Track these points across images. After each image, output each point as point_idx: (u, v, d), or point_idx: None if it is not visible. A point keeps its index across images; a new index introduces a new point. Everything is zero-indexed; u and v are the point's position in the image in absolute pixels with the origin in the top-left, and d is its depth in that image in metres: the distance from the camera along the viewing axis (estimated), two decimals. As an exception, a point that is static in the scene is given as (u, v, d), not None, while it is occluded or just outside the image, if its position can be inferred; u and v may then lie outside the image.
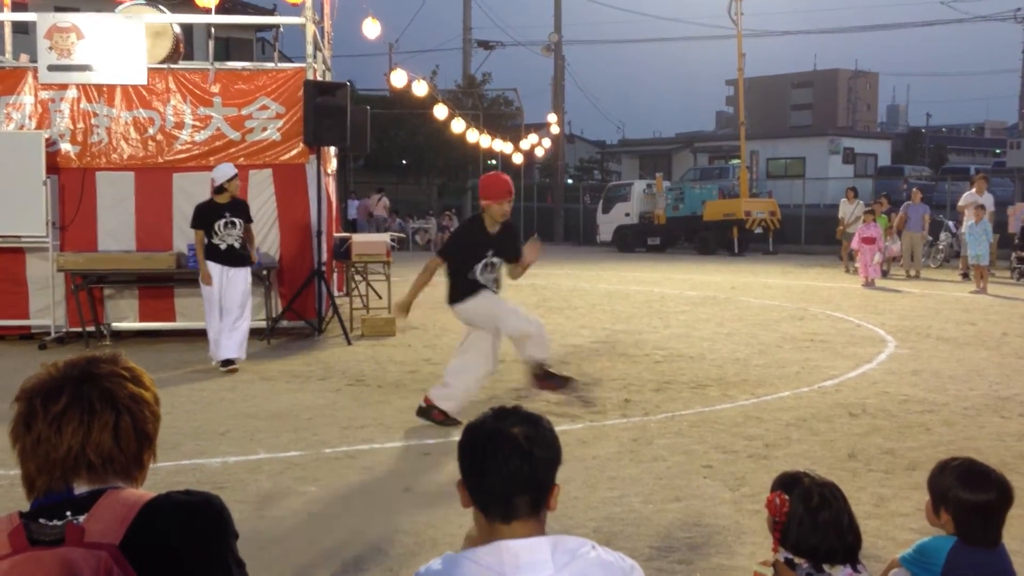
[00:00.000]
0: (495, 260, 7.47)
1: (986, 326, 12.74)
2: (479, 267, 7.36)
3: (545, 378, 7.79)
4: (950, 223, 24.18)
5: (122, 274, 11.61)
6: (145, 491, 1.95)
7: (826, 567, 2.82)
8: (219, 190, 9.71)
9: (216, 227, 9.66)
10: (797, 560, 2.84)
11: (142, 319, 11.91)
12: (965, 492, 3.00)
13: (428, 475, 6.02)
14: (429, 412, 7.42)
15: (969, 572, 2.98)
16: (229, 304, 9.77)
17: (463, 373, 7.50)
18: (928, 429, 7.26)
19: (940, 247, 23.56)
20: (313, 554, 4.81)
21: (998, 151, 58.65)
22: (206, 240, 9.66)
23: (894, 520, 5.23)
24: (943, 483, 3.07)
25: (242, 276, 9.87)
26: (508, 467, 2.09)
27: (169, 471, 6.13)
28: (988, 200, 19.18)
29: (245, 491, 5.82)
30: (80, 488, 1.91)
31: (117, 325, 11.85)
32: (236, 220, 9.75)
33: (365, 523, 5.24)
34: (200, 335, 11.71)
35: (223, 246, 9.71)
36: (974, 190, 19.62)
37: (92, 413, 1.91)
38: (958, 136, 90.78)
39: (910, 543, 3.18)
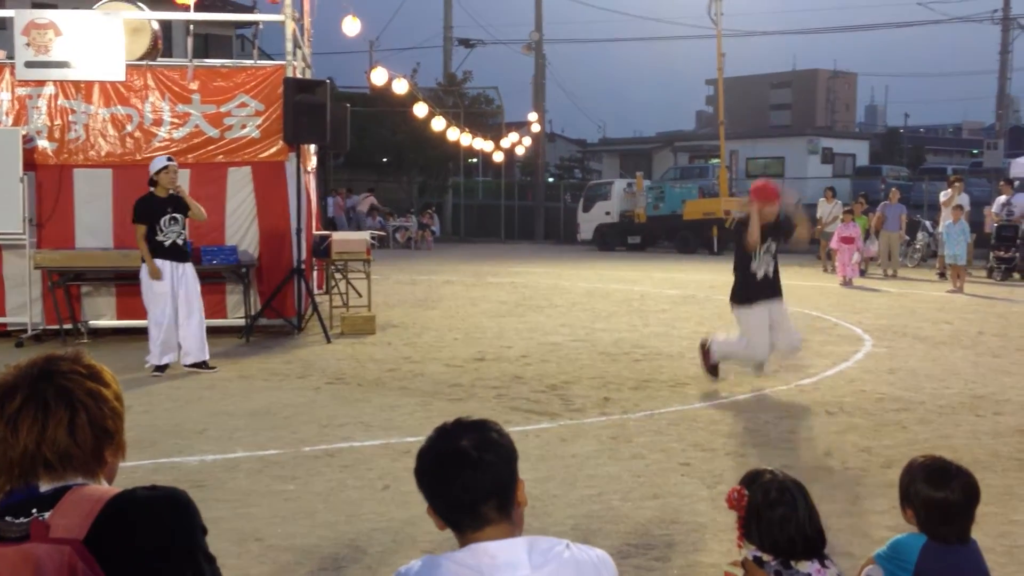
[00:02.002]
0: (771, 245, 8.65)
1: (962, 325, 12.85)
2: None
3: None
4: (927, 223, 24.36)
5: (99, 271, 11.54)
6: (110, 487, 1.96)
7: (793, 564, 2.85)
8: (153, 183, 9.47)
9: (161, 223, 9.42)
10: (765, 557, 2.87)
11: (120, 317, 11.84)
12: (926, 489, 3.04)
13: (407, 473, 5.98)
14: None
15: (941, 569, 3.01)
16: (187, 301, 9.56)
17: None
18: (904, 427, 7.33)
19: (917, 247, 23.72)
20: (292, 552, 4.80)
21: (975, 151, 59.06)
22: (148, 237, 9.40)
23: (869, 518, 5.27)
24: (907, 480, 3.11)
25: (192, 271, 9.69)
26: (463, 480, 2.12)
27: (147, 470, 6.12)
28: (964, 200, 19.31)
29: (223, 489, 5.81)
30: (44, 486, 1.92)
31: (94, 323, 11.79)
32: (178, 215, 9.52)
33: (344, 521, 5.25)
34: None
35: (168, 242, 9.45)
36: (950, 191, 19.75)
37: (46, 410, 1.92)
38: (936, 136, 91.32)
39: (885, 541, 3.21)
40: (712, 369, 8.95)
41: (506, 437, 2.22)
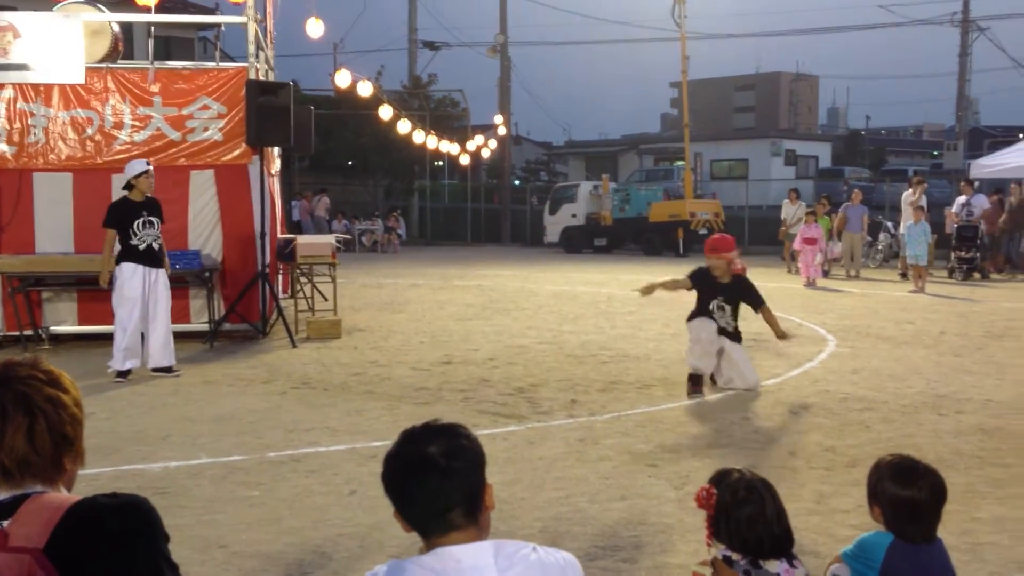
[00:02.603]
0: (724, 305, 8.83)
1: (924, 325, 12.98)
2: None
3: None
4: (889, 224, 24.61)
5: (60, 277, 11.40)
6: (70, 495, 1.93)
7: (762, 563, 2.86)
8: (129, 186, 9.37)
9: (135, 226, 9.27)
10: (734, 556, 2.88)
11: (81, 322, 11.70)
12: (894, 487, 3.06)
13: (374, 478, 5.96)
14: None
15: (907, 568, 3.03)
16: (156, 307, 9.44)
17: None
18: (867, 426, 7.39)
19: (879, 247, 23.96)
20: (258, 559, 4.76)
21: (935, 153, 59.80)
22: (122, 241, 9.31)
23: (834, 516, 5.31)
24: (875, 478, 3.13)
25: (164, 277, 9.58)
26: (430, 487, 2.11)
27: (109, 477, 6.04)
28: (923, 201, 19.54)
29: (187, 496, 5.75)
30: (1, 494, 1.89)
31: (56, 329, 11.64)
32: (153, 219, 9.40)
33: (310, 527, 5.20)
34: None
35: (142, 246, 9.32)
36: (912, 192, 19.96)
37: (4, 417, 1.89)
38: (897, 138, 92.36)
39: (850, 539, 3.23)
40: (695, 382, 8.72)
41: (475, 442, 2.21)
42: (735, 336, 8.86)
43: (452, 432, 2.19)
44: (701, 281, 8.94)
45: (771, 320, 8.97)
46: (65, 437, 1.96)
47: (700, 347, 8.71)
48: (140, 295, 9.34)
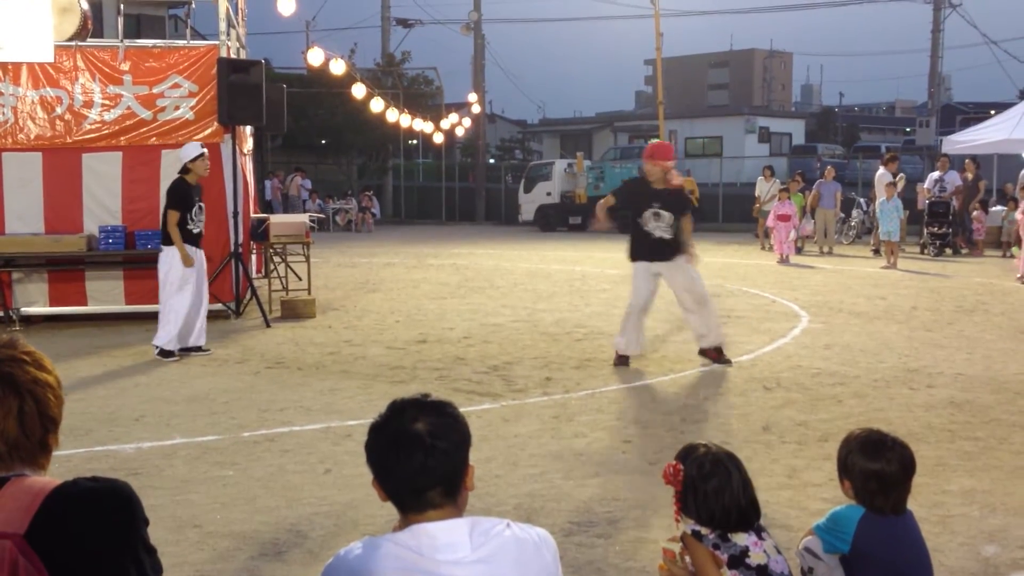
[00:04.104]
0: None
1: (896, 300, 13.09)
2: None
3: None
4: (862, 200, 24.74)
5: (31, 257, 11.28)
6: (51, 478, 1.91)
7: (731, 536, 2.88)
8: (185, 170, 9.38)
9: (192, 210, 9.37)
10: (703, 531, 2.90)
11: (52, 303, 11.61)
12: (862, 460, 3.09)
13: (349, 457, 5.99)
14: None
15: (878, 539, 3.06)
16: (202, 289, 9.61)
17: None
18: (840, 401, 7.45)
19: (852, 224, 24.09)
20: (232, 538, 4.75)
21: (908, 129, 60.12)
22: (181, 224, 9.32)
23: (806, 490, 5.36)
24: (845, 452, 3.16)
25: (204, 258, 9.74)
26: (413, 465, 2.10)
27: (82, 458, 6.01)
28: (891, 177, 19.64)
29: (160, 476, 5.73)
30: None
31: (26, 310, 11.53)
32: (202, 204, 9.60)
33: (284, 506, 5.20)
34: (113, 319, 11.51)
35: (196, 230, 9.44)
36: (884, 169, 20.06)
37: None
38: (870, 115, 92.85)
39: (822, 513, 3.26)
40: (620, 360, 8.90)
41: (462, 422, 2.19)
42: (675, 247, 8.70)
43: (440, 410, 2.18)
44: (631, 192, 8.98)
45: (687, 231, 8.89)
46: (52, 419, 1.95)
47: (634, 318, 8.77)
48: (195, 278, 9.44)
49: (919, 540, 3.16)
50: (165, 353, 9.31)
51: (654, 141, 9.36)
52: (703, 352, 8.88)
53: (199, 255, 9.56)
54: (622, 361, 8.85)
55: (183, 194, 9.35)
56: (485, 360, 9.21)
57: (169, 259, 9.36)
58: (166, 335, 9.36)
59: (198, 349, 9.63)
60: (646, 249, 8.73)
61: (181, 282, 9.37)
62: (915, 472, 3.13)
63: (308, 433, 6.71)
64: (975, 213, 20.89)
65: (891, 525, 3.09)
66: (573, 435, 6.56)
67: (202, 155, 9.42)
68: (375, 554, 2.06)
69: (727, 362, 8.78)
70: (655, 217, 8.65)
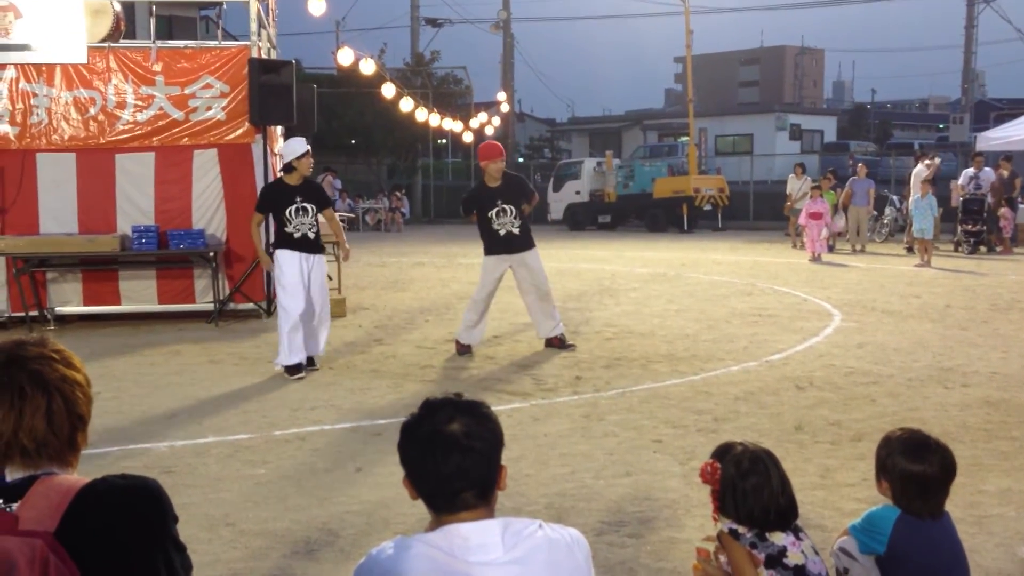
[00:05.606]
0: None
1: (930, 299, 12.95)
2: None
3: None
4: (895, 197, 24.51)
5: (65, 257, 11.41)
6: (80, 476, 1.92)
7: (768, 535, 2.86)
8: (288, 168, 8.63)
9: (288, 213, 8.44)
10: (741, 529, 2.88)
11: (86, 303, 11.72)
12: (903, 461, 3.05)
13: (380, 455, 6.00)
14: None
15: (915, 542, 3.03)
16: (316, 296, 8.65)
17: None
18: (873, 400, 7.38)
19: (885, 221, 23.87)
20: (264, 537, 4.77)
21: (941, 126, 59.52)
22: (277, 227, 8.54)
23: (840, 491, 5.31)
24: (884, 452, 3.12)
25: (321, 265, 8.74)
26: (448, 467, 2.09)
27: (116, 456, 6.05)
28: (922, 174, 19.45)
29: (193, 475, 5.77)
30: (13, 475, 1.88)
31: (60, 309, 11.65)
32: (308, 206, 8.51)
33: (316, 505, 5.22)
34: (146, 318, 11.60)
35: (297, 235, 8.45)
36: (920, 165, 19.85)
37: (23, 397, 1.87)
38: (902, 112, 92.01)
39: (856, 513, 3.23)
40: (463, 349, 9.47)
41: (496, 422, 2.18)
42: (524, 238, 9.34)
43: (475, 411, 2.16)
44: (476, 199, 9.50)
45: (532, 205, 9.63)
46: (80, 417, 1.96)
47: (476, 310, 9.37)
48: (300, 282, 8.45)
49: (956, 543, 3.12)
50: (289, 369, 8.47)
51: (483, 143, 9.76)
52: (549, 342, 9.57)
53: (314, 259, 8.58)
54: (465, 350, 9.42)
55: (267, 195, 8.78)
56: (514, 359, 9.21)
57: (276, 264, 8.58)
58: (280, 350, 8.57)
59: (311, 362, 8.79)
60: (500, 245, 9.35)
61: (292, 288, 8.46)
62: (955, 476, 3.09)
63: (339, 432, 6.73)
64: (1002, 210, 20.64)
65: (929, 528, 3.05)
66: (603, 434, 6.54)
67: (307, 152, 8.58)
68: (407, 555, 2.05)
69: (572, 347, 9.56)
70: (500, 214, 9.25)
